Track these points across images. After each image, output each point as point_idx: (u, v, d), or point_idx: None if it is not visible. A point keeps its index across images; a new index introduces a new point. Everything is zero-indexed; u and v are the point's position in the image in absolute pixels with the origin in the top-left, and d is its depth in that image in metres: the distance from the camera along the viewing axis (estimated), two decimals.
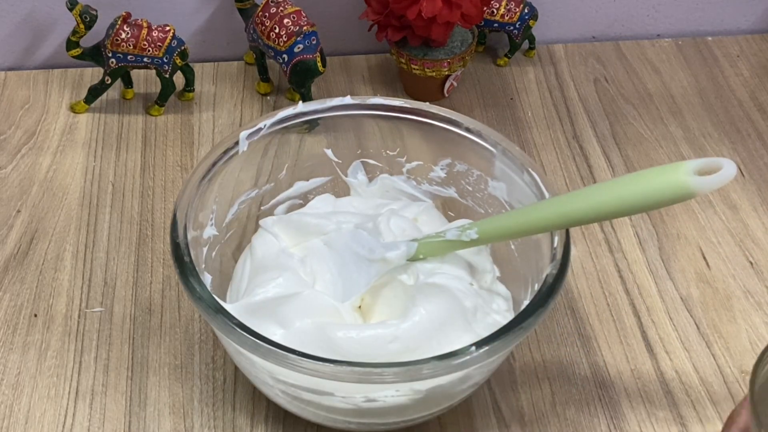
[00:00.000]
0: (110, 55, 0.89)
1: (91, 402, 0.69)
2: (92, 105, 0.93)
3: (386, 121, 0.75)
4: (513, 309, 0.70)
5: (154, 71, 0.91)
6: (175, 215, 0.65)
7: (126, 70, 0.92)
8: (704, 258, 0.81)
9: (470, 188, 0.75)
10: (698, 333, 0.75)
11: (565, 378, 0.72)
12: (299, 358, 0.57)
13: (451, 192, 0.77)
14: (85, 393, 0.70)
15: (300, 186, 0.77)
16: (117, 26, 0.88)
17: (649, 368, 0.73)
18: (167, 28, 0.89)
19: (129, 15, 0.89)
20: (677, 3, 1.06)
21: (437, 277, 0.67)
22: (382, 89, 0.98)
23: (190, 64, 0.93)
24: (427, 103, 0.74)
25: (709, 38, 1.07)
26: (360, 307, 0.69)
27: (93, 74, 0.97)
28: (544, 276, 0.63)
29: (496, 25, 0.98)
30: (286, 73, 0.90)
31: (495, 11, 0.97)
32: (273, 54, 0.90)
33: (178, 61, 0.90)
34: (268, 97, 0.96)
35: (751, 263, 0.81)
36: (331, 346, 0.63)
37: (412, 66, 0.93)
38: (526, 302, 0.62)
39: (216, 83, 0.98)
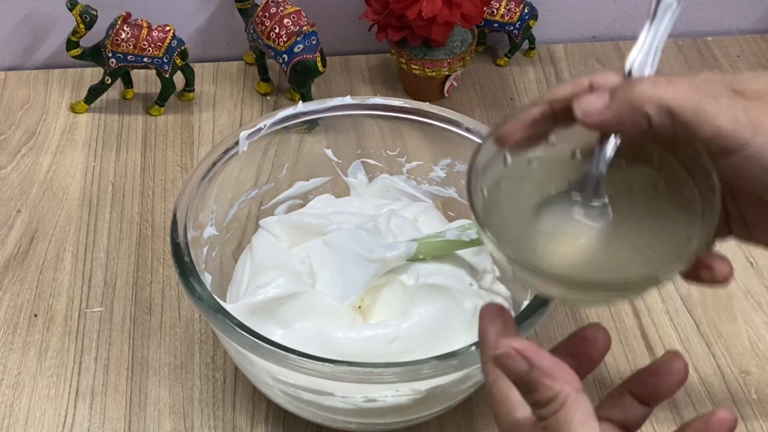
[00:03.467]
0: (110, 55, 0.89)
1: (91, 402, 0.69)
2: (92, 105, 0.93)
3: (386, 121, 0.75)
4: (513, 309, 0.70)
5: (154, 71, 0.91)
6: (175, 215, 0.65)
7: (126, 70, 0.92)
8: None
9: None
10: (698, 333, 0.75)
11: None
12: (299, 358, 0.57)
13: (451, 192, 0.77)
14: (85, 393, 0.70)
15: (300, 186, 0.77)
16: (117, 26, 0.88)
17: None
18: (167, 28, 0.89)
19: (129, 15, 0.89)
20: None
21: (437, 278, 0.67)
22: (382, 89, 0.98)
23: (190, 64, 0.93)
24: (427, 103, 0.74)
25: (709, 38, 1.07)
26: (360, 307, 0.69)
27: (93, 74, 0.97)
28: None
29: (496, 25, 0.98)
30: (286, 73, 0.90)
31: (495, 11, 0.97)
32: (273, 54, 0.90)
33: (178, 61, 0.90)
34: (268, 97, 0.96)
35: (751, 263, 0.81)
36: (331, 346, 0.63)
37: (412, 66, 0.93)
38: (526, 302, 0.62)
39: (216, 83, 0.98)
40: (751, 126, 0.43)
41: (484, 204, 0.50)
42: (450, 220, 0.76)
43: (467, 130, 0.73)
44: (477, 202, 0.49)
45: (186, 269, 0.62)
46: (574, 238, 0.49)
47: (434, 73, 0.93)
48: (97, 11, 0.89)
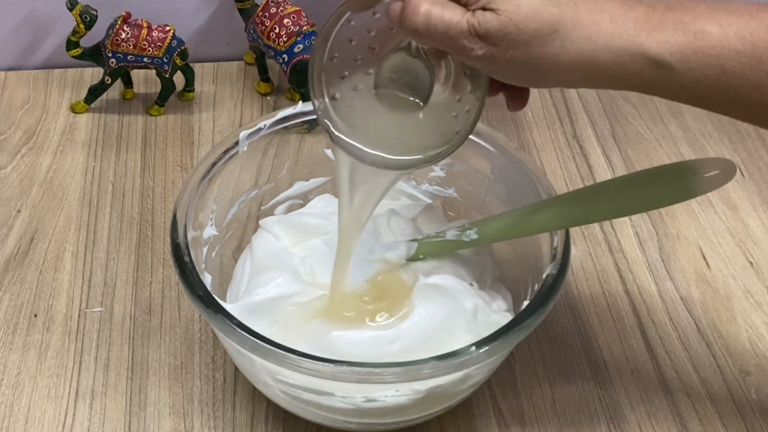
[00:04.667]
0: (110, 55, 0.89)
1: (91, 402, 0.69)
2: (92, 105, 0.93)
3: None
4: (513, 309, 0.70)
5: (154, 71, 0.91)
6: (175, 215, 0.65)
7: (126, 70, 0.92)
8: (704, 258, 0.81)
9: (470, 188, 0.75)
10: (698, 333, 0.75)
11: (565, 378, 0.72)
12: (299, 358, 0.57)
13: (451, 192, 0.77)
14: (85, 393, 0.70)
15: (300, 186, 0.77)
16: (117, 26, 0.88)
17: (649, 368, 0.73)
18: (167, 28, 0.89)
19: (129, 15, 0.89)
20: None
21: (437, 278, 0.67)
22: None
23: (190, 64, 0.93)
24: None
25: None
26: None
27: (93, 74, 0.97)
28: (544, 276, 0.63)
29: None
30: (286, 73, 0.90)
31: None
32: (273, 54, 0.90)
33: (178, 61, 0.90)
34: (268, 97, 0.96)
35: (751, 263, 0.81)
36: (331, 346, 0.63)
37: None
38: (526, 302, 0.63)
39: (216, 83, 0.98)
40: (492, 63, 0.53)
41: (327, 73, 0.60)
42: (450, 220, 0.76)
43: None
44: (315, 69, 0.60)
45: (186, 269, 0.62)
46: (387, 120, 0.60)
47: None
48: (97, 11, 0.89)
